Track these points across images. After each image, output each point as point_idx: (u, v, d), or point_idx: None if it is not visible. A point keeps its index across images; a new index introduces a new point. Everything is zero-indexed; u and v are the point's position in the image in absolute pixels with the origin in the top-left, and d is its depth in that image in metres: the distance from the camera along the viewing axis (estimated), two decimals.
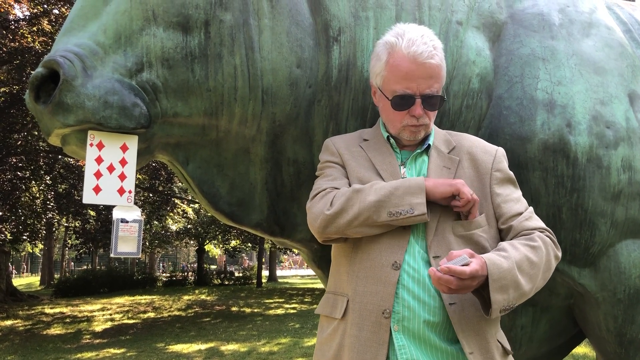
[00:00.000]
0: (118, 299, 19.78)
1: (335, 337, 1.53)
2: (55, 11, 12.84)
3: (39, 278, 35.48)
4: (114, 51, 1.60)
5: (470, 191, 1.50)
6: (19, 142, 13.70)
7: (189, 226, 26.67)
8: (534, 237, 1.50)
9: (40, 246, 28.29)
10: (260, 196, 1.93)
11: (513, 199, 1.58)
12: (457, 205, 1.49)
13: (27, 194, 16.09)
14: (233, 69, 1.70)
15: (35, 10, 12.86)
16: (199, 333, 11.44)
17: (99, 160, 1.60)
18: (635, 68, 2.06)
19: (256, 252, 29.98)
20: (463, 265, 1.33)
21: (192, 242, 29.56)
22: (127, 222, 1.64)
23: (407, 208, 1.45)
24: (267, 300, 18.28)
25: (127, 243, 1.64)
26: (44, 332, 12.56)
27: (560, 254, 1.56)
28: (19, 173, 14.67)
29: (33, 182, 15.54)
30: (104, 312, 16.09)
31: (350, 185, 1.59)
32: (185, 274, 29.45)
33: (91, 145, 1.59)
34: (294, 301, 17.98)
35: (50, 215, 17.48)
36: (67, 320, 14.54)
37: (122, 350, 9.61)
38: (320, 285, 23.25)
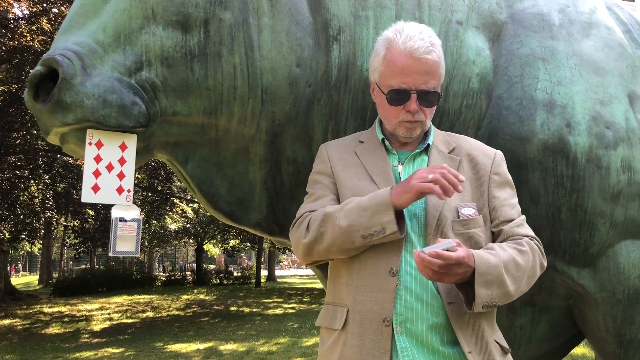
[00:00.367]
0: (116, 298, 19.77)
1: (336, 348, 1.51)
2: (55, 10, 12.83)
3: (37, 277, 35.46)
4: (113, 50, 1.59)
5: (431, 174, 1.41)
6: (18, 141, 13.69)
7: (187, 225, 26.67)
8: (522, 242, 1.51)
9: (39, 245, 28.24)
10: (260, 195, 1.93)
11: (509, 204, 1.58)
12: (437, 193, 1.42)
13: (25, 193, 16.08)
14: (232, 68, 1.70)
15: (35, 9, 12.86)
16: (198, 333, 11.44)
17: (97, 159, 1.60)
18: (635, 68, 2.06)
19: (255, 251, 29.96)
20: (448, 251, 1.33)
21: (191, 241, 29.54)
22: (125, 221, 1.63)
23: (378, 228, 1.43)
24: (265, 300, 18.28)
25: (125, 242, 1.64)
26: (43, 331, 12.55)
27: (545, 264, 1.57)
28: (17, 172, 14.66)
29: (32, 181, 15.53)
30: (102, 311, 16.08)
31: (338, 198, 1.59)
32: (184, 273, 29.45)
33: (90, 144, 1.58)
34: (293, 301, 17.98)
35: (49, 214, 17.47)
36: (66, 319, 14.53)
37: (121, 349, 9.60)
38: (319, 285, 23.25)
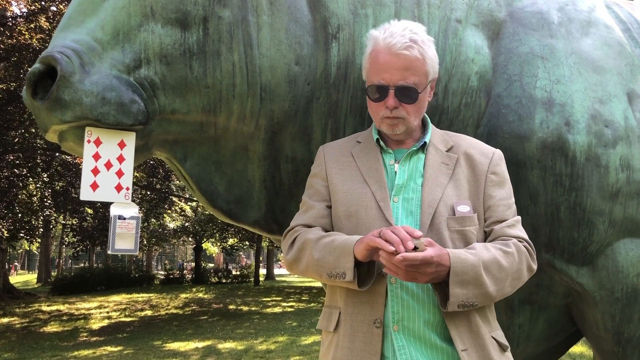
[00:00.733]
0: (115, 296, 19.76)
1: (330, 350, 1.54)
2: (53, 8, 12.81)
3: (35, 275, 35.42)
4: (112, 47, 1.59)
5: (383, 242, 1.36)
6: (16, 139, 13.67)
7: (186, 224, 26.65)
8: (510, 243, 1.49)
9: (37, 244, 28.21)
10: (258, 194, 1.92)
11: (504, 204, 1.57)
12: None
13: (24, 192, 16.07)
14: (231, 66, 1.69)
15: (33, 7, 12.84)
16: (196, 331, 11.44)
17: (96, 156, 1.59)
18: (634, 67, 2.06)
19: (254, 250, 29.96)
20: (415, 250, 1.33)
21: (189, 240, 29.54)
22: (124, 219, 1.63)
23: (341, 272, 1.44)
24: (264, 299, 18.29)
25: (124, 240, 1.63)
26: (41, 330, 12.54)
27: (535, 267, 1.55)
28: (16, 170, 14.65)
29: (30, 179, 15.51)
30: (101, 309, 16.07)
31: (330, 202, 1.61)
32: (183, 272, 29.44)
33: (89, 141, 1.58)
34: (292, 299, 17.99)
35: (47, 212, 17.46)
36: (64, 318, 14.53)
37: (119, 348, 9.60)
38: (318, 284, 23.26)
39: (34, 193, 16.75)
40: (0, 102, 12.53)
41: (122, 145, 1.62)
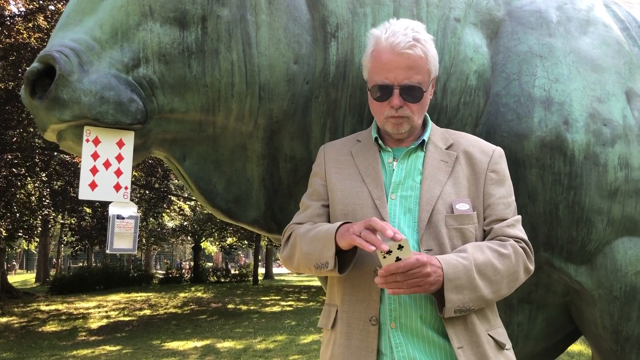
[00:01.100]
0: (114, 296, 19.76)
1: (328, 347, 1.55)
2: (51, 7, 12.79)
3: (34, 275, 35.38)
4: (111, 46, 1.59)
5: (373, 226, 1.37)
6: (15, 138, 13.64)
7: (185, 223, 26.63)
8: (507, 245, 1.49)
9: (36, 243, 28.19)
10: (257, 193, 1.92)
11: (504, 202, 1.57)
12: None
13: (22, 191, 16.05)
14: (230, 65, 1.69)
15: (31, 6, 12.82)
16: (195, 330, 11.44)
17: (95, 156, 1.59)
18: (633, 66, 2.06)
19: (252, 249, 29.96)
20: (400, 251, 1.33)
21: (188, 239, 29.53)
22: (123, 218, 1.63)
23: (325, 262, 1.46)
24: (263, 298, 18.29)
25: (123, 239, 1.63)
26: (40, 329, 12.54)
27: (532, 268, 1.55)
28: (14, 170, 14.62)
29: (28, 179, 15.49)
30: (99, 309, 16.06)
31: (328, 200, 1.63)
32: (181, 270, 29.42)
33: (87, 141, 1.58)
34: (290, 299, 18.00)
35: (45, 212, 17.44)
36: (63, 317, 14.52)
37: (118, 347, 9.60)
38: (317, 283, 23.27)
39: (33, 192, 16.73)
40: None
41: (120, 144, 1.61)
